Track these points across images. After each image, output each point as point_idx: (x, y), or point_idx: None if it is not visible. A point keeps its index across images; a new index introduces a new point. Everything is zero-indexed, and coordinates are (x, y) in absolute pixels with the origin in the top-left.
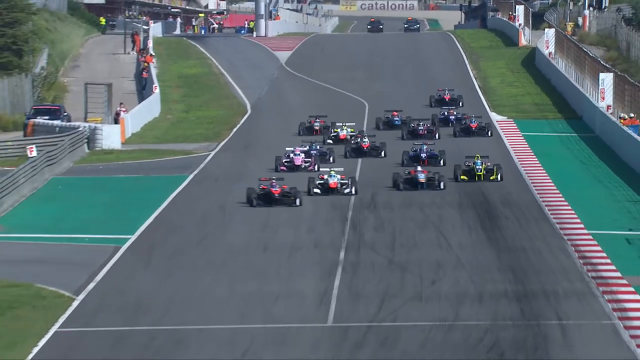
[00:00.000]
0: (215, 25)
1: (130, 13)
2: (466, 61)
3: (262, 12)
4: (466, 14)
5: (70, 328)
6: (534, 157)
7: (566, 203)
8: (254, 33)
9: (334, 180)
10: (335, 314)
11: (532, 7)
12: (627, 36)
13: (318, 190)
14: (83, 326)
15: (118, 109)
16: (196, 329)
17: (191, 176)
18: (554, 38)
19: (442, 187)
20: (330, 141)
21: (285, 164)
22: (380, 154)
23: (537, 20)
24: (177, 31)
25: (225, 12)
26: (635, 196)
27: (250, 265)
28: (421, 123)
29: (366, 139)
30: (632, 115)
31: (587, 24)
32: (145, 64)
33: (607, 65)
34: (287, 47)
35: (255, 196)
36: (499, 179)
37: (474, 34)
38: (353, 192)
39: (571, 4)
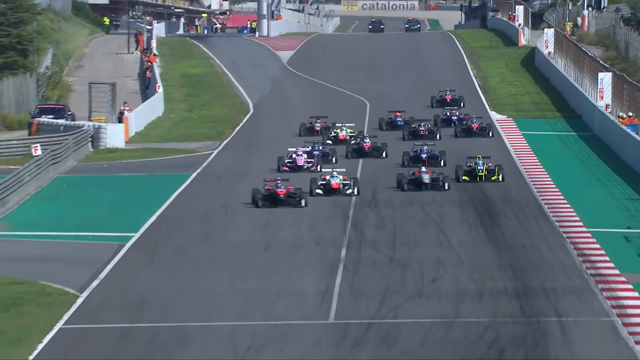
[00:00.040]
0: (218, 25)
1: (134, 13)
2: (466, 61)
3: (265, 12)
4: (466, 14)
5: (74, 325)
6: (534, 155)
7: (565, 201)
8: (257, 33)
9: (336, 181)
10: (337, 311)
11: (532, 7)
12: (625, 36)
13: (320, 191)
14: (87, 323)
15: (122, 108)
16: (199, 325)
17: (194, 174)
18: (553, 38)
19: (446, 187)
20: (330, 142)
21: (288, 164)
22: (382, 155)
23: (536, 20)
24: (180, 31)
25: (227, 12)
26: (634, 194)
27: (253, 263)
28: (422, 124)
29: (367, 140)
30: (630, 114)
31: (586, 23)
32: (149, 63)
33: (606, 65)
34: (289, 47)
35: (261, 197)
36: (500, 179)
37: (474, 33)
38: (355, 192)
39: (570, 4)
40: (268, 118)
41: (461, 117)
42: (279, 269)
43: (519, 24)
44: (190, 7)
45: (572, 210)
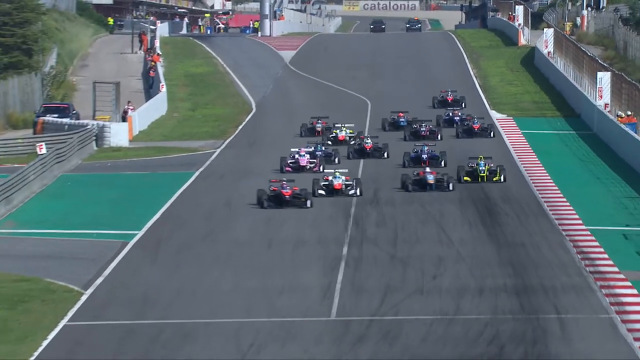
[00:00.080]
0: (221, 25)
1: (138, 13)
2: (467, 60)
3: (267, 12)
4: (467, 14)
5: (79, 322)
6: (533, 154)
7: (565, 199)
8: (259, 33)
9: (338, 182)
10: (339, 308)
11: (532, 8)
12: (624, 36)
13: (323, 192)
14: (92, 320)
15: (126, 107)
16: (203, 322)
17: (197, 173)
18: (552, 38)
19: (450, 188)
20: (330, 142)
21: (291, 164)
22: (383, 155)
23: (536, 20)
24: (184, 31)
25: (230, 13)
26: (633, 192)
27: (255, 261)
28: (423, 124)
29: (369, 140)
30: (629, 113)
31: (585, 23)
32: (153, 63)
33: (605, 64)
34: (291, 47)
35: (266, 197)
36: (502, 180)
37: (475, 33)
38: (358, 193)
39: (570, 4)
40: (270, 117)
41: (463, 117)
42: (282, 266)
43: (519, 24)
44: (193, 7)
45: (571, 208)
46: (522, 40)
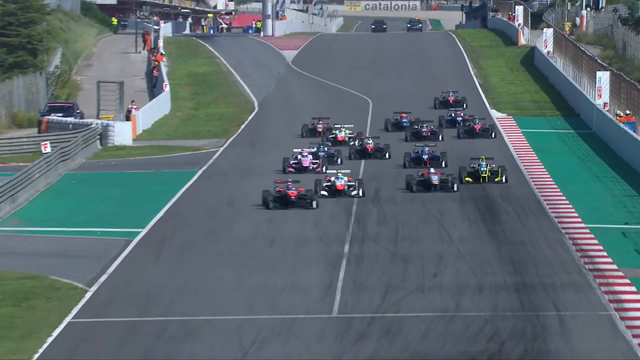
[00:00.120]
0: (224, 25)
1: (141, 13)
2: (467, 60)
3: (269, 12)
4: (467, 14)
5: (83, 319)
6: (533, 153)
7: (564, 198)
8: (261, 33)
9: (341, 182)
10: (340, 305)
11: (531, 8)
12: (623, 36)
13: (325, 193)
14: (96, 317)
15: (129, 106)
16: (205, 319)
17: (200, 171)
18: (552, 37)
19: (455, 189)
20: (329, 143)
21: (293, 165)
22: (385, 156)
23: (535, 20)
24: (187, 31)
25: (233, 13)
26: (631, 191)
27: (258, 258)
28: (425, 125)
29: (370, 141)
30: (627, 112)
31: (585, 23)
32: (156, 62)
33: (604, 64)
34: (294, 47)
35: (272, 199)
36: (503, 180)
37: (475, 33)
38: (360, 194)
39: (569, 4)
40: (273, 116)
41: (466, 118)
42: (284, 264)
43: (519, 24)
44: (196, 8)
45: (570, 206)
46: (522, 40)
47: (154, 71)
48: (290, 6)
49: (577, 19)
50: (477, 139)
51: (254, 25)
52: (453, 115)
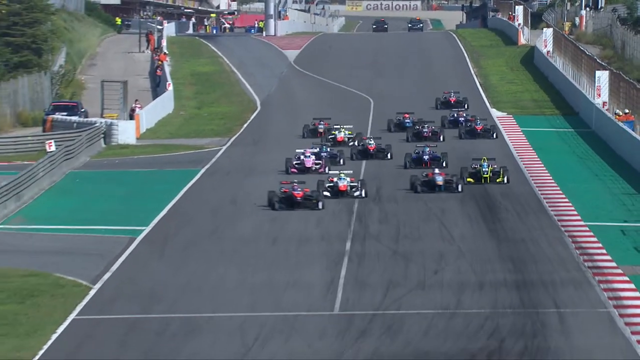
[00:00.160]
0: (227, 25)
1: (145, 13)
2: (467, 59)
3: (272, 12)
4: (467, 14)
5: (87, 316)
6: (533, 151)
7: (564, 196)
8: (264, 32)
9: (343, 183)
10: (342, 303)
11: (531, 8)
12: (622, 35)
13: (328, 193)
14: (100, 314)
15: (133, 105)
16: (208, 316)
17: (203, 170)
18: (552, 37)
19: (459, 189)
20: (329, 143)
21: (296, 165)
22: (387, 156)
23: (535, 20)
24: (190, 31)
25: (236, 13)
26: (630, 189)
27: (260, 256)
28: (426, 125)
29: (372, 141)
30: (626, 111)
31: (584, 23)
32: (159, 62)
33: (603, 64)
34: (296, 46)
35: (277, 199)
36: (505, 181)
37: (475, 33)
38: (363, 195)
39: (568, 4)
40: (275, 115)
41: (468, 118)
42: (286, 262)
43: (519, 24)
44: (199, 8)
45: (570, 204)
46: (522, 40)
47: (158, 70)
48: (293, 6)
49: (577, 19)
50: (479, 139)
51: (256, 25)
52: (455, 115)
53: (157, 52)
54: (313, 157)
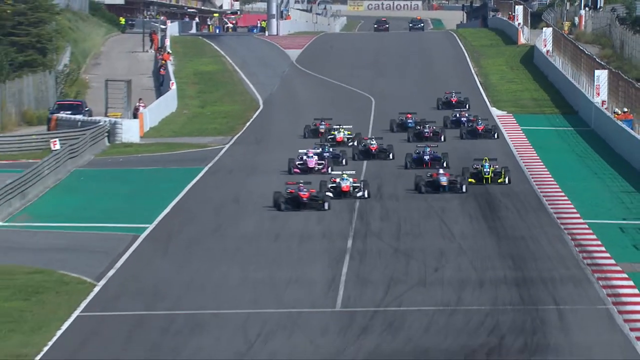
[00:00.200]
0: (230, 25)
1: (149, 13)
2: (468, 59)
3: (274, 12)
4: (468, 13)
5: (91, 312)
6: (533, 150)
7: (563, 194)
8: (266, 32)
9: (346, 184)
10: (343, 299)
11: (531, 7)
12: (621, 35)
13: (330, 194)
14: (104, 311)
15: (137, 104)
16: (212, 313)
17: (206, 168)
18: (551, 37)
19: (464, 190)
20: (328, 143)
21: (299, 166)
22: (389, 157)
23: (535, 20)
24: (193, 30)
25: (238, 12)
26: (629, 187)
27: (263, 253)
28: (427, 125)
29: (374, 141)
30: (625, 110)
31: (583, 23)
32: (163, 61)
33: (602, 63)
34: (298, 46)
35: (283, 200)
36: (506, 181)
37: (476, 32)
38: (366, 195)
39: (568, 4)
40: (277, 114)
41: (470, 118)
42: (288, 259)
43: (519, 24)
44: (202, 7)
45: (569, 202)
46: (522, 39)
47: (161, 70)
48: (295, 6)
49: (576, 19)
50: (480, 139)
51: (259, 25)
52: (458, 115)
53: (160, 52)
54: (316, 157)
